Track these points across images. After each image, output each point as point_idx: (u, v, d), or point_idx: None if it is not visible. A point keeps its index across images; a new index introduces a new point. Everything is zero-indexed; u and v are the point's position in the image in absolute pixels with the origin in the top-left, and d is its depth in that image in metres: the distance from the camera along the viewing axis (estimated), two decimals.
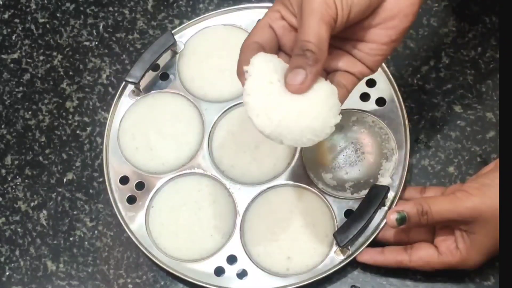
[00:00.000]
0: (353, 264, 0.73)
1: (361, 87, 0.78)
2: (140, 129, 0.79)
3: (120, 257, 0.76)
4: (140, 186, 0.78)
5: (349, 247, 0.71)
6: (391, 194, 0.72)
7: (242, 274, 0.73)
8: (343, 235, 0.69)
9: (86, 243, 0.77)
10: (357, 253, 0.71)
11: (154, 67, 0.81)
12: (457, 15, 0.82)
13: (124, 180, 0.78)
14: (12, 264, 0.77)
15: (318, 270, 0.71)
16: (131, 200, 0.77)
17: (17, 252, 0.78)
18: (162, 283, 0.75)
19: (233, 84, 0.79)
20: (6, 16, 0.89)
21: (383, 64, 0.78)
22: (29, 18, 0.88)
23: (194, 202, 0.76)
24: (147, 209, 0.76)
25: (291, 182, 0.75)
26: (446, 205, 0.65)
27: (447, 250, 0.67)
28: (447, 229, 0.67)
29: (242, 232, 0.74)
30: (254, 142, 0.77)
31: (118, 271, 0.76)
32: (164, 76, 0.82)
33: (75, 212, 0.79)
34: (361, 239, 0.71)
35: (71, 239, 0.77)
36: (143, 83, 0.81)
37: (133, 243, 0.76)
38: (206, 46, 0.82)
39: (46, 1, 0.89)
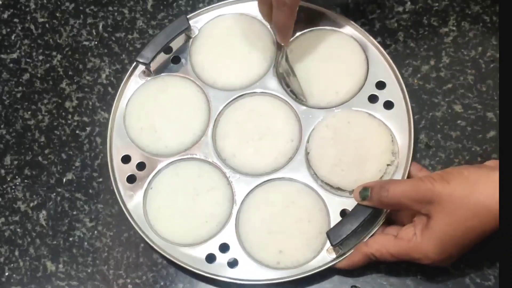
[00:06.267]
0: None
1: (370, 88, 0.77)
2: (146, 110, 0.79)
3: (120, 258, 0.76)
4: (141, 166, 0.78)
5: (341, 246, 0.71)
6: None
7: (233, 263, 0.73)
8: (336, 234, 0.69)
9: (85, 243, 0.77)
10: (349, 253, 0.71)
11: (167, 49, 0.81)
12: (458, 15, 0.82)
13: (126, 159, 0.78)
14: (12, 265, 0.77)
15: (308, 267, 0.71)
16: (131, 179, 0.77)
17: (16, 253, 0.77)
18: (162, 283, 0.75)
19: (243, 74, 0.79)
20: (5, 15, 0.89)
21: (395, 68, 0.77)
22: (28, 17, 0.88)
23: (192, 188, 0.76)
24: (145, 190, 0.76)
25: (290, 177, 0.75)
26: (407, 184, 0.66)
27: (405, 236, 0.67)
28: (411, 223, 0.68)
29: (237, 222, 0.74)
30: (258, 133, 0.77)
31: (117, 272, 0.76)
32: (176, 60, 0.82)
33: (74, 212, 0.79)
34: (354, 240, 0.71)
35: (70, 239, 0.77)
36: (154, 65, 0.80)
37: (133, 242, 0.76)
38: (220, 34, 0.82)
39: (45, 1, 0.89)
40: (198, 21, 0.83)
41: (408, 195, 0.65)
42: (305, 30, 0.81)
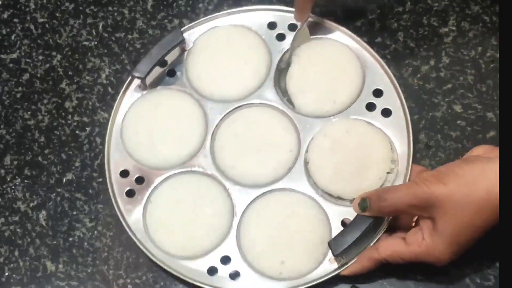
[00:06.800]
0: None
1: (368, 96, 0.77)
2: (143, 124, 0.79)
3: (120, 258, 0.76)
4: (140, 180, 0.77)
5: (343, 256, 0.71)
6: None
7: (235, 275, 0.72)
8: (338, 244, 0.68)
9: (85, 243, 0.77)
10: (351, 262, 0.70)
11: (162, 63, 0.81)
12: (457, 15, 0.82)
13: (124, 173, 0.78)
14: (12, 265, 0.77)
15: (311, 277, 0.71)
16: (130, 193, 0.77)
17: (16, 253, 0.77)
18: (162, 283, 0.75)
19: (240, 85, 0.79)
20: (5, 16, 0.89)
21: (391, 75, 0.77)
22: (28, 17, 0.88)
23: (192, 200, 0.75)
24: (145, 204, 0.76)
25: (290, 187, 0.75)
26: (403, 190, 0.66)
27: (415, 241, 0.67)
28: (417, 227, 0.68)
29: (238, 234, 0.74)
30: (256, 144, 0.76)
31: (117, 272, 0.76)
32: (171, 73, 0.82)
33: (74, 213, 0.79)
34: (356, 249, 0.70)
35: (70, 239, 0.77)
36: (149, 79, 0.80)
37: (133, 242, 0.76)
38: (215, 45, 0.82)
39: (45, 1, 0.89)
40: (192, 34, 0.83)
41: (406, 201, 0.66)
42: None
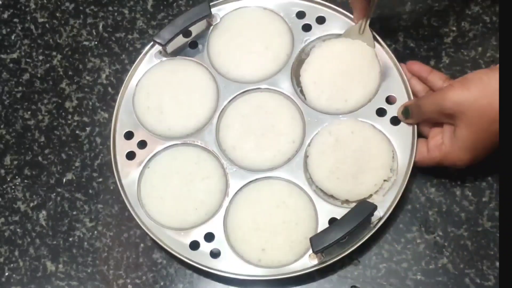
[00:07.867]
0: (353, 264, 0.72)
1: (380, 101, 0.77)
2: (156, 90, 0.80)
3: (120, 258, 0.76)
4: (142, 144, 0.78)
5: (323, 254, 0.71)
6: (378, 213, 0.72)
7: (215, 254, 0.73)
8: (319, 241, 0.68)
9: (85, 243, 0.77)
10: (330, 261, 0.71)
11: (186, 33, 0.81)
12: (458, 15, 0.82)
13: (128, 135, 0.78)
14: (12, 265, 0.77)
15: (288, 269, 0.71)
16: (130, 156, 0.77)
17: (16, 253, 0.77)
18: (162, 283, 0.75)
19: (257, 68, 0.80)
20: (5, 15, 0.89)
21: (408, 85, 0.76)
22: (28, 17, 0.88)
23: (188, 173, 0.76)
24: (142, 169, 0.77)
25: (286, 177, 0.75)
26: (432, 98, 0.71)
27: (434, 146, 0.72)
28: (439, 129, 0.72)
29: (226, 214, 0.74)
30: (261, 129, 0.77)
31: (117, 272, 0.76)
32: (193, 45, 0.82)
33: (74, 213, 0.79)
34: (338, 249, 0.71)
35: (70, 239, 0.77)
36: (171, 47, 0.81)
37: (133, 243, 0.76)
38: (241, 25, 0.82)
39: (45, 1, 0.89)
40: (222, 9, 0.83)
41: (433, 109, 0.70)
42: (326, 33, 0.80)
